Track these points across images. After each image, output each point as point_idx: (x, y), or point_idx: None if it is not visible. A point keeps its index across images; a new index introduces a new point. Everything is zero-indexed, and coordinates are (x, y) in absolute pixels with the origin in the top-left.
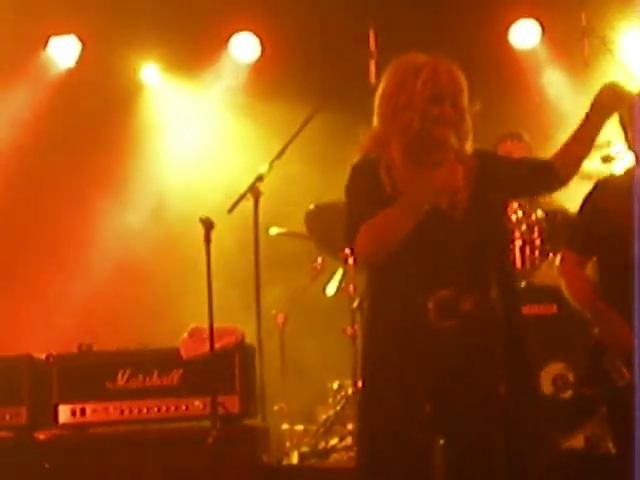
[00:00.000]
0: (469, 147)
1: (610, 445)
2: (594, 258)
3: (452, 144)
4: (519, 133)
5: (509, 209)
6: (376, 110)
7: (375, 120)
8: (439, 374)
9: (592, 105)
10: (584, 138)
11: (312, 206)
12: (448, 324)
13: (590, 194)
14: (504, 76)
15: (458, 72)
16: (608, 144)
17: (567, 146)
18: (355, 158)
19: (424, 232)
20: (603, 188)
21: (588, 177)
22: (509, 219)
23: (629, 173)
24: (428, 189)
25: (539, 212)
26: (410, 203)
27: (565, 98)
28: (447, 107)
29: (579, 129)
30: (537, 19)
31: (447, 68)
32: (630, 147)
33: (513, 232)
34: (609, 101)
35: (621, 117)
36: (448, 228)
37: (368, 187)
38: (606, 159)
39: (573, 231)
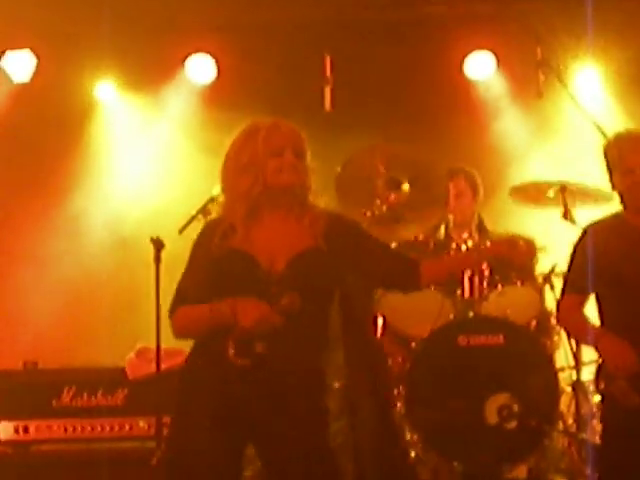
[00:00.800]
0: (313, 199)
1: (552, 477)
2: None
3: (296, 191)
4: (462, 169)
5: (459, 239)
6: (220, 178)
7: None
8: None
9: (484, 248)
10: (457, 265)
11: None
12: (243, 362)
13: (580, 241)
14: (458, 107)
15: (298, 129)
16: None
17: (442, 263)
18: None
19: (240, 280)
20: (592, 234)
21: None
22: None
23: (617, 217)
24: (236, 317)
25: (488, 243)
26: (217, 318)
27: (519, 131)
28: (288, 156)
29: (461, 256)
30: (492, 50)
31: (286, 124)
32: (614, 188)
33: None
34: (501, 252)
35: (607, 158)
36: (265, 281)
37: (200, 252)
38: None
39: (569, 275)
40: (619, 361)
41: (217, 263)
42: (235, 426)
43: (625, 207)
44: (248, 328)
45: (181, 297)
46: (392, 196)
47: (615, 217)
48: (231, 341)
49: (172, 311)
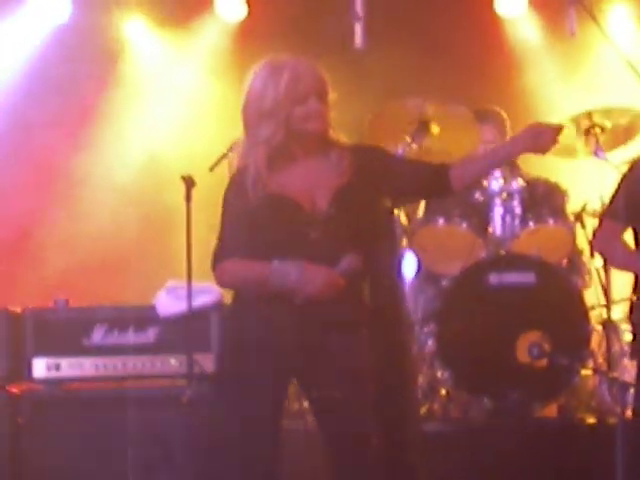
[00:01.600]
0: (335, 135)
1: (582, 415)
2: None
3: (331, 135)
4: (490, 111)
5: (490, 176)
6: (241, 118)
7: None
8: (299, 350)
9: (515, 137)
10: (490, 162)
11: None
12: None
13: (628, 172)
14: (489, 45)
15: (320, 69)
16: (589, 115)
17: (470, 161)
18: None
19: (282, 224)
20: (639, 171)
21: (568, 151)
22: (483, 188)
23: None
24: (301, 284)
25: (520, 181)
26: (278, 282)
27: (551, 71)
28: (314, 102)
29: (491, 151)
30: None
31: (308, 65)
32: None
33: (493, 199)
34: (531, 140)
35: None
36: (309, 222)
37: (237, 202)
38: (587, 132)
39: (612, 203)
40: None
41: (256, 211)
42: (282, 359)
43: None
44: (314, 295)
45: (227, 248)
46: (423, 139)
47: None
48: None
49: (217, 261)
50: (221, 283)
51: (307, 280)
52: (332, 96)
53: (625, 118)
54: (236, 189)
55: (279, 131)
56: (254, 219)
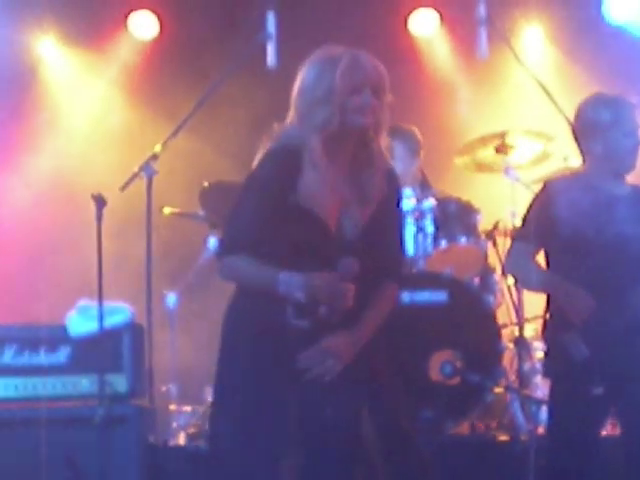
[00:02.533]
0: (385, 141)
1: (494, 433)
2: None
3: (371, 134)
4: (403, 129)
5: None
6: (293, 105)
7: (291, 115)
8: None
9: None
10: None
11: (206, 184)
12: (302, 324)
13: (540, 194)
14: (403, 64)
15: (379, 62)
16: (502, 135)
17: (374, 308)
18: (267, 144)
19: (307, 242)
20: (555, 190)
21: (481, 168)
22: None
23: (581, 177)
24: (311, 288)
25: (432, 200)
26: (284, 293)
27: (462, 90)
28: (368, 96)
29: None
30: (435, 8)
31: (367, 58)
32: (585, 151)
33: (405, 218)
34: None
35: (580, 122)
36: (333, 247)
37: (274, 185)
38: (499, 149)
39: (524, 224)
40: (580, 309)
41: (287, 220)
42: (286, 387)
43: (595, 167)
44: (328, 312)
45: (241, 240)
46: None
47: (578, 175)
48: (290, 303)
49: (225, 253)
50: (224, 276)
51: (315, 295)
52: (390, 98)
53: (538, 142)
54: (272, 171)
55: (334, 118)
56: (283, 225)
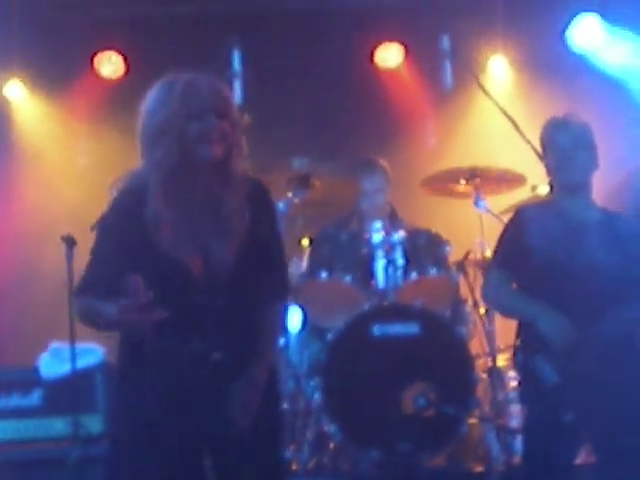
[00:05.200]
0: (242, 165)
1: (470, 464)
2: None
3: (224, 164)
4: (372, 162)
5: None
6: (138, 141)
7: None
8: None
9: None
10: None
11: None
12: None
13: (512, 220)
14: (368, 98)
15: (221, 84)
16: (470, 170)
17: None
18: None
19: (165, 285)
20: (526, 216)
21: (450, 194)
22: (365, 241)
23: (550, 201)
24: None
25: (401, 232)
26: (129, 329)
27: (429, 121)
28: (211, 121)
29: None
30: (401, 42)
31: (206, 81)
32: (549, 171)
33: (376, 251)
34: None
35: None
36: (197, 288)
37: (114, 232)
38: (469, 182)
39: (499, 251)
40: (561, 335)
41: (140, 264)
42: (191, 436)
43: (557, 191)
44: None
45: (86, 282)
46: (304, 193)
47: (547, 201)
48: (181, 354)
49: (75, 294)
50: (79, 318)
51: (127, 324)
52: (243, 118)
53: (504, 177)
54: (118, 215)
55: (173, 151)
56: (132, 264)
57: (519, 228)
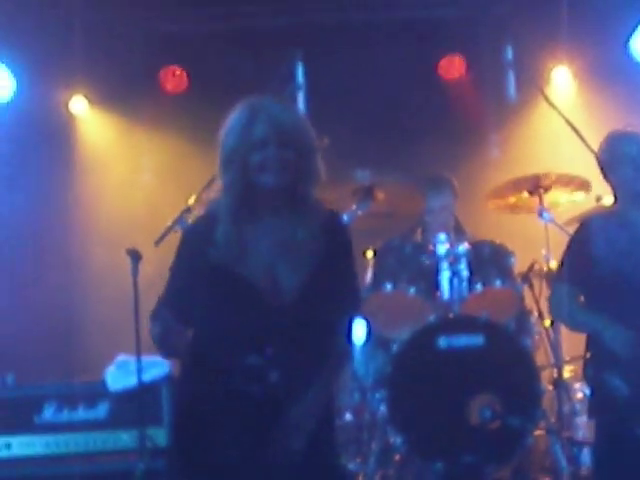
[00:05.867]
0: (313, 192)
1: (536, 476)
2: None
3: (287, 191)
4: (447, 181)
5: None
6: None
7: None
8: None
9: None
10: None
11: None
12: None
13: (577, 233)
14: (432, 110)
15: (288, 111)
16: (535, 178)
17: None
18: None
19: (238, 309)
20: (591, 228)
21: (514, 209)
22: (430, 252)
23: (614, 212)
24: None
25: (465, 244)
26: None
27: (494, 132)
28: (272, 151)
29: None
30: (463, 53)
31: (270, 108)
32: (611, 184)
33: (440, 263)
34: None
35: (604, 155)
36: (270, 313)
37: (191, 256)
38: (532, 192)
39: (564, 266)
40: (627, 349)
41: (213, 285)
42: (242, 454)
43: (622, 202)
44: None
45: (162, 305)
46: (368, 206)
47: (612, 212)
48: (239, 369)
49: (152, 317)
50: (152, 337)
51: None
52: (318, 143)
53: (572, 185)
54: (193, 236)
55: (238, 179)
56: (202, 282)
57: (585, 240)
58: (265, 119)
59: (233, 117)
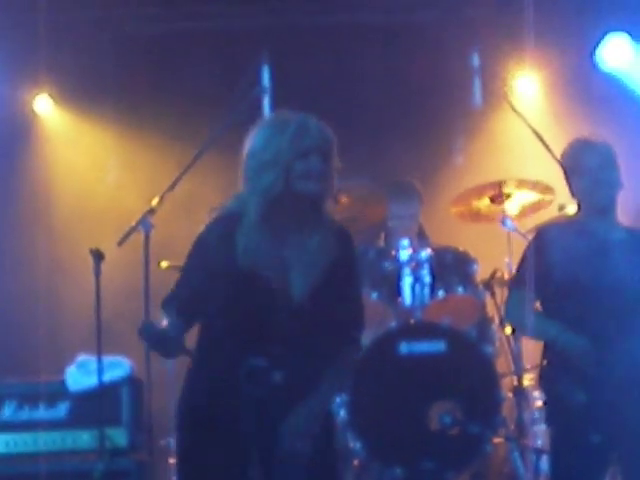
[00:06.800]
0: (332, 205)
1: None
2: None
3: (318, 200)
4: (414, 188)
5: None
6: (242, 169)
7: (241, 180)
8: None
9: None
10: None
11: None
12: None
13: (534, 240)
14: (398, 112)
15: (327, 127)
16: (498, 185)
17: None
18: (211, 216)
19: (249, 304)
20: (548, 236)
21: (477, 218)
22: (392, 258)
23: (574, 221)
24: None
25: (428, 250)
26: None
27: (458, 140)
28: (315, 162)
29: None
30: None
31: (317, 124)
32: (573, 193)
33: (403, 269)
34: None
35: (565, 164)
36: (280, 310)
37: (212, 253)
38: (495, 199)
39: (520, 272)
40: (581, 356)
41: (230, 283)
42: (243, 454)
43: (584, 212)
44: None
45: (171, 299)
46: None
47: (572, 221)
48: (244, 369)
49: (164, 304)
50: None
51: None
52: (337, 163)
53: (534, 192)
54: (209, 237)
55: (279, 181)
56: (214, 280)
57: (541, 247)
58: (315, 132)
59: (272, 129)
